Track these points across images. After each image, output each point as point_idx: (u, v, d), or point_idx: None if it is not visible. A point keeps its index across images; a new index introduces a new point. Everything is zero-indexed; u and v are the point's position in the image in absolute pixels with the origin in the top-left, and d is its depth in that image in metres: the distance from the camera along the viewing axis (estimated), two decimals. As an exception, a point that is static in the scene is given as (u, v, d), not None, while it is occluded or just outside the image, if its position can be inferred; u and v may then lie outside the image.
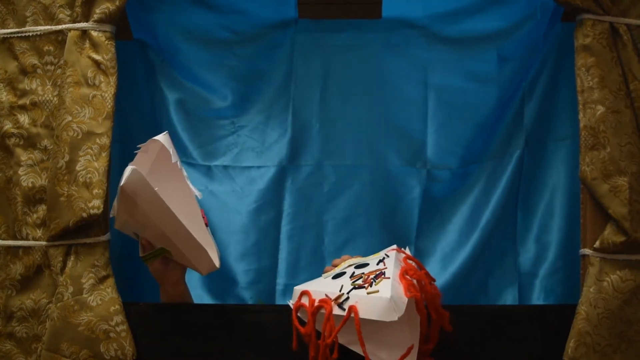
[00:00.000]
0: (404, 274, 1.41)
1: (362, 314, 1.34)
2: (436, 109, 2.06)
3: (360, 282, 1.41)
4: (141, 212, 1.51)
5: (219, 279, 2.06)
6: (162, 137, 1.54)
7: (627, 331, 1.52)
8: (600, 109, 1.55)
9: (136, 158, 1.56)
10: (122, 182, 1.48)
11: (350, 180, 2.09)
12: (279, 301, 2.07)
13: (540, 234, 2.04)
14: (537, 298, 2.02)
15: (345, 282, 1.43)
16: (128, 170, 1.48)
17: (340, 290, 1.40)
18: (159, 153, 1.58)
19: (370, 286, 1.37)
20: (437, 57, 2.05)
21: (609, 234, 1.53)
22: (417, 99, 2.07)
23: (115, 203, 1.55)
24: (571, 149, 1.95)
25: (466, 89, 2.05)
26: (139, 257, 1.61)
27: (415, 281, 1.40)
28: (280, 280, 2.08)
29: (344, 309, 1.36)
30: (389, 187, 2.09)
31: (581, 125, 1.57)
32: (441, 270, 2.06)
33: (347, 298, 1.37)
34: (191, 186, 1.60)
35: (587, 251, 1.56)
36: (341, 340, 1.38)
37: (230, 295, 2.06)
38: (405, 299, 1.35)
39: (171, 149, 1.55)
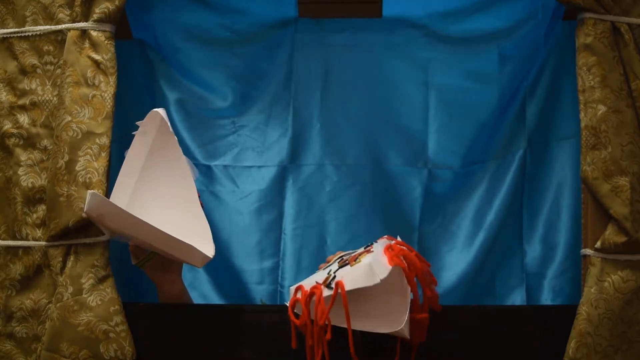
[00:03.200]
0: (388, 248, 1.42)
1: (347, 286, 1.35)
2: (437, 108, 2.06)
3: (346, 261, 1.44)
4: (115, 229, 1.51)
5: (226, 278, 2.06)
6: (162, 111, 1.55)
7: (628, 332, 1.51)
8: (602, 109, 1.55)
9: (133, 142, 1.56)
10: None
11: (351, 180, 2.09)
12: (281, 302, 2.06)
13: (546, 234, 2.03)
14: (545, 299, 2.02)
15: (333, 267, 1.46)
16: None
17: (328, 274, 1.42)
18: (159, 130, 1.57)
19: (355, 261, 1.40)
20: (438, 57, 2.05)
21: (610, 234, 1.53)
22: (418, 99, 2.06)
23: None
24: (575, 147, 1.94)
25: (467, 89, 2.04)
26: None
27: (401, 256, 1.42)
28: (283, 281, 2.08)
29: (332, 288, 1.37)
30: (390, 186, 2.08)
31: (582, 124, 1.56)
32: (447, 272, 2.05)
33: (334, 277, 1.39)
34: (188, 163, 1.59)
35: (588, 251, 1.56)
36: (336, 322, 1.39)
37: (235, 295, 2.06)
38: (388, 267, 1.36)
39: (168, 123, 1.55)
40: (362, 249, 1.52)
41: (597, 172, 1.54)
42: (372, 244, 1.52)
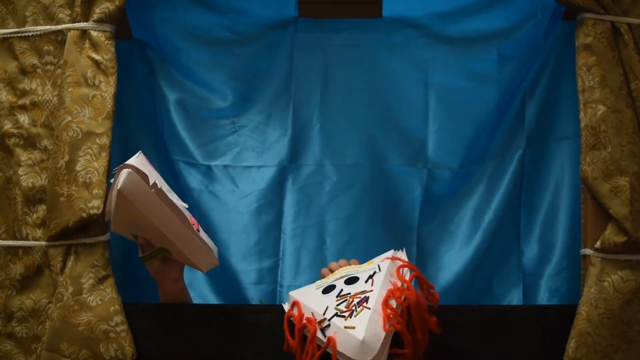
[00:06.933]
0: (387, 300, 1.43)
1: (339, 347, 1.39)
2: (437, 108, 2.06)
3: (343, 307, 1.44)
4: (138, 214, 1.51)
5: (223, 279, 2.06)
6: (135, 160, 1.51)
7: (627, 331, 1.51)
8: (601, 109, 1.55)
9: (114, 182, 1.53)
10: (118, 186, 1.48)
11: (351, 180, 2.09)
12: (280, 302, 2.06)
13: (543, 233, 2.03)
14: (541, 298, 2.02)
15: (331, 303, 1.46)
16: (124, 173, 1.47)
17: (324, 313, 1.44)
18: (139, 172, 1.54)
19: (350, 316, 1.41)
20: (438, 57, 2.04)
21: (610, 234, 1.53)
22: (418, 99, 2.06)
23: (108, 207, 1.54)
24: (574, 148, 1.95)
25: (467, 89, 2.04)
26: (138, 257, 1.61)
27: (398, 304, 1.43)
28: (282, 281, 2.08)
29: (325, 336, 1.41)
30: (389, 186, 2.08)
31: (582, 125, 1.56)
32: (444, 271, 2.06)
33: (329, 325, 1.42)
34: (176, 200, 1.58)
35: (587, 251, 1.56)
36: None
37: (234, 295, 2.06)
38: (382, 335, 1.38)
39: (147, 168, 1.51)
40: (364, 277, 1.51)
41: (597, 172, 1.54)
42: (374, 273, 1.51)
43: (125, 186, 1.47)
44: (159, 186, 1.52)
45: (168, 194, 1.55)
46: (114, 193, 1.50)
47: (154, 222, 1.52)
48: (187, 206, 1.59)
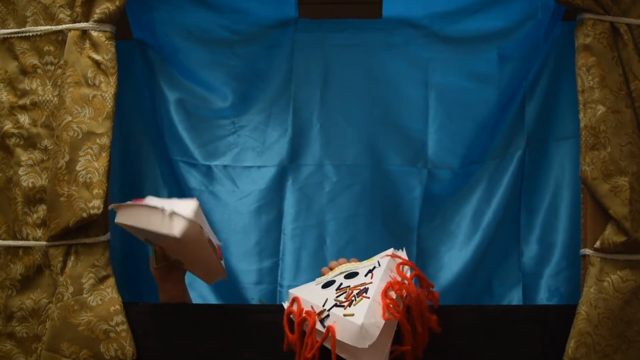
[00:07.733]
0: (387, 291, 1.43)
1: (338, 336, 1.39)
2: (437, 108, 2.06)
3: (342, 298, 1.44)
4: (181, 247, 1.50)
5: (223, 279, 2.06)
6: (194, 214, 1.42)
7: (627, 331, 1.52)
8: (601, 109, 1.55)
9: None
10: (177, 234, 1.41)
11: (351, 180, 2.09)
12: (280, 302, 2.06)
13: (543, 233, 2.04)
14: (541, 298, 2.03)
15: (331, 295, 1.46)
16: (184, 222, 1.41)
17: (323, 305, 1.44)
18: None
19: (350, 305, 1.41)
20: (438, 57, 2.05)
21: (610, 234, 1.53)
22: (418, 99, 2.06)
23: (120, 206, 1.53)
24: (574, 148, 1.95)
25: (467, 89, 2.04)
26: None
27: (398, 297, 1.43)
28: (282, 281, 2.08)
29: (324, 326, 1.41)
30: (389, 187, 2.08)
31: (582, 125, 1.57)
32: (444, 271, 2.06)
33: (328, 315, 1.42)
34: (214, 238, 1.55)
35: (587, 251, 1.56)
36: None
37: (234, 295, 2.07)
38: (381, 322, 1.38)
39: (202, 219, 1.46)
40: (364, 272, 1.52)
41: (597, 172, 1.54)
42: (374, 268, 1.52)
43: (185, 234, 1.42)
44: (208, 236, 1.49)
45: (209, 234, 1.51)
46: (162, 223, 1.43)
47: (191, 252, 1.52)
48: (221, 244, 1.59)
